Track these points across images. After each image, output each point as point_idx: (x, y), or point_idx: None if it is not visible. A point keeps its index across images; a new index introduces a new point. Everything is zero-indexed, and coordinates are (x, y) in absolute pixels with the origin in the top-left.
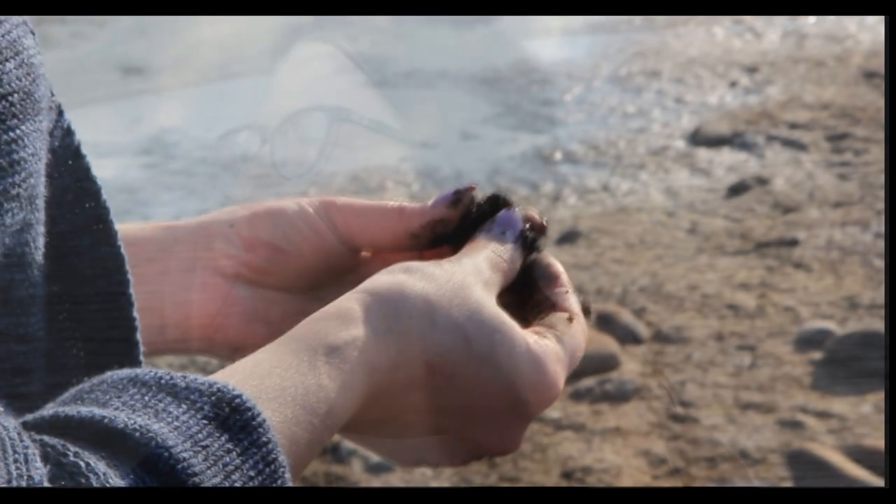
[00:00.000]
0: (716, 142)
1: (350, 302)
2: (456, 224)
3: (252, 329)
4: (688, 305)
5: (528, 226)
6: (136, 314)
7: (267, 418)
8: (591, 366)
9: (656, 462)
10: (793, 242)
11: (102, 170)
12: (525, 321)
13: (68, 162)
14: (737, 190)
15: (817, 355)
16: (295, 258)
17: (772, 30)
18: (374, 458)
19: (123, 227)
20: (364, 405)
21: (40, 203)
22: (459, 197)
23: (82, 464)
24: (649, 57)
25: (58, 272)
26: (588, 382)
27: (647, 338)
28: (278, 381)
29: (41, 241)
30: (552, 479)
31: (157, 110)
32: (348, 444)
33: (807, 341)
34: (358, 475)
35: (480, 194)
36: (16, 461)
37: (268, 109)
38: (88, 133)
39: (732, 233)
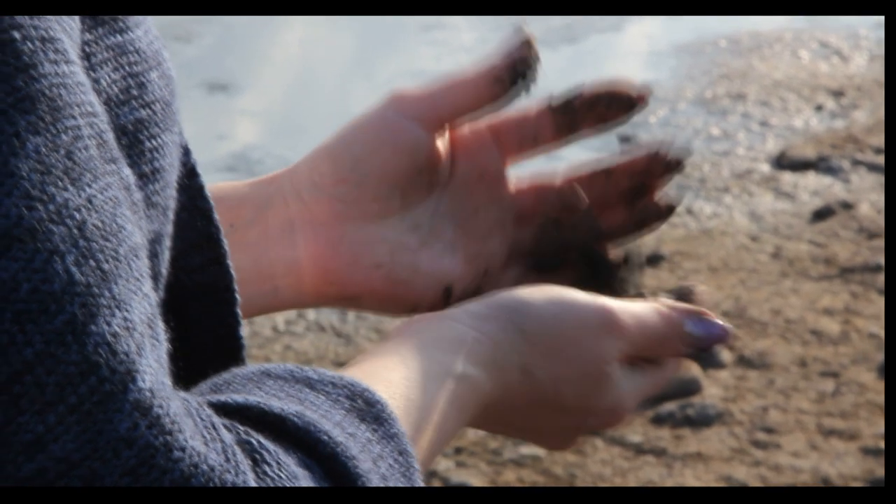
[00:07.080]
0: (801, 166)
1: (460, 330)
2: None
3: (365, 275)
4: (771, 330)
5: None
6: (242, 332)
7: (394, 411)
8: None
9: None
10: (878, 268)
11: None
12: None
13: (185, 180)
14: (821, 214)
15: None
16: (380, 166)
17: (858, 53)
18: (453, 479)
19: (217, 186)
20: (474, 421)
21: (171, 216)
22: (523, 37)
23: (254, 441)
24: (734, 79)
25: (166, 287)
26: (669, 407)
27: (729, 363)
28: (404, 390)
29: (167, 255)
30: None
31: (240, 127)
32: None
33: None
34: None
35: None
36: (205, 427)
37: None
38: None
39: (817, 258)
